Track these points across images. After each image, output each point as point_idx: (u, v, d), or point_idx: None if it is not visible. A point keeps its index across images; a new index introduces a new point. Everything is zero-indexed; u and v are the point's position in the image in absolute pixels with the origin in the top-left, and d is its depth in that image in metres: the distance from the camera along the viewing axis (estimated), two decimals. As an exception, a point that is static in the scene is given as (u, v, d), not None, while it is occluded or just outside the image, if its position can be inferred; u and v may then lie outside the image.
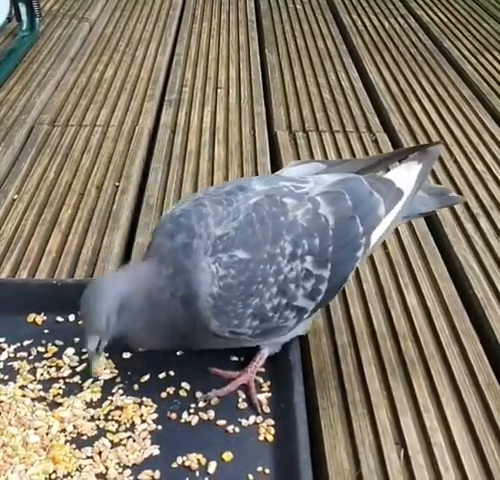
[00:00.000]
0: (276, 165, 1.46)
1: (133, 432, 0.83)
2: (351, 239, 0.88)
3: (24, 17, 2.08)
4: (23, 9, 2.07)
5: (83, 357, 0.93)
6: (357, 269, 1.11)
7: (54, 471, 0.77)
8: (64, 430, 0.82)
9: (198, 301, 0.81)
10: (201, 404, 0.87)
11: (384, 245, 1.19)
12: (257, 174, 1.40)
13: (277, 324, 0.86)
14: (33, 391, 0.87)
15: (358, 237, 0.88)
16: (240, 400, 0.88)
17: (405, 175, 0.95)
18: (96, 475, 0.78)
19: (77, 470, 0.78)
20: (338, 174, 0.93)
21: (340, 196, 0.88)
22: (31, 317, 0.99)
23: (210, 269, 0.81)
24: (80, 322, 0.84)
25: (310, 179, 0.90)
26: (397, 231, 1.22)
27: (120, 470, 0.78)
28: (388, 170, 1.00)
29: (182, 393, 0.88)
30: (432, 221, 1.27)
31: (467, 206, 1.32)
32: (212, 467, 0.79)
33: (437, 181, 1.40)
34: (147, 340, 0.86)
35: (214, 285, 0.81)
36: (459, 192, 1.36)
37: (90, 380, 0.89)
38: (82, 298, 0.84)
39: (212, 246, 0.82)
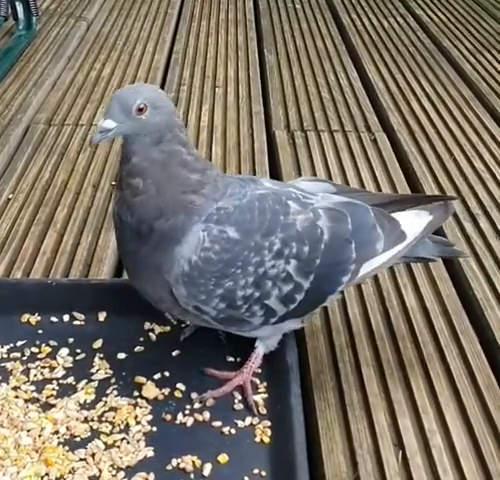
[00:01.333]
0: (274, 165, 1.45)
1: (127, 434, 0.82)
2: (341, 261, 0.87)
3: (21, 16, 2.07)
4: (20, 8, 2.06)
5: (77, 358, 0.92)
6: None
7: (46, 473, 0.76)
8: (57, 432, 0.81)
9: (175, 254, 0.80)
10: (196, 405, 0.86)
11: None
12: (255, 173, 1.39)
13: (243, 316, 0.85)
14: (26, 392, 0.86)
15: (349, 261, 0.87)
16: (236, 401, 0.87)
17: (413, 221, 0.93)
18: (89, 478, 0.76)
19: (70, 472, 0.77)
20: (348, 198, 0.92)
21: (342, 217, 0.87)
22: (25, 317, 0.98)
23: (198, 235, 0.80)
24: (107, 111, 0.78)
25: (320, 194, 0.90)
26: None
27: (114, 472, 0.77)
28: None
29: (177, 394, 0.87)
30: (431, 221, 1.25)
31: (466, 206, 1.31)
32: (207, 469, 0.78)
33: (436, 181, 1.39)
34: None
35: (195, 253, 0.80)
36: (458, 192, 1.35)
37: (84, 381, 0.88)
38: (120, 90, 0.82)
39: (208, 214, 0.81)
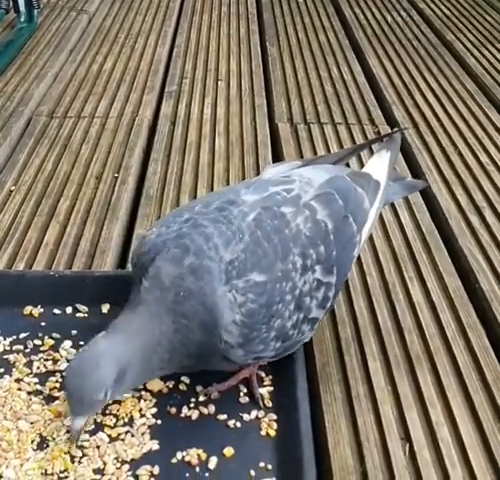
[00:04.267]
0: (277, 157, 1.44)
1: (131, 427, 0.81)
2: (348, 239, 0.87)
3: (22, 8, 2.05)
4: (21, 0, 2.04)
5: (80, 350, 0.91)
6: (361, 264, 1.10)
7: (50, 466, 0.75)
8: (61, 424, 0.80)
9: (219, 328, 0.77)
10: (201, 398, 0.85)
11: (388, 239, 1.17)
12: (258, 166, 1.37)
13: (296, 340, 0.84)
14: (29, 385, 0.85)
15: (354, 236, 0.88)
16: (241, 394, 0.86)
17: (378, 165, 0.96)
18: (93, 470, 0.75)
19: (74, 465, 0.76)
20: (321, 170, 0.92)
21: (331, 197, 0.87)
22: (27, 309, 0.96)
23: (227, 297, 0.77)
24: (67, 396, 0.76)
25: (295, 177, 0.89)
26: (401, 225, 1.21)
27: (118, 465, 0.76)
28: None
29: (182, 387, 0.86)
30: (437, 215, 1.25)
31: (472, 199, 1.30)
32: (213, 462, 0.77)
33: (441, 174, 1.38)
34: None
35: (236, 312, 0.77)
36: (463, 185, 1.34)
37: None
38: (70, 371, 0.76)
39: (225, 273, 0.77)
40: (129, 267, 1.06)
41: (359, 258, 1.11)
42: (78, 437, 0.77)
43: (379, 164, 0.96)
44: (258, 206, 0.83)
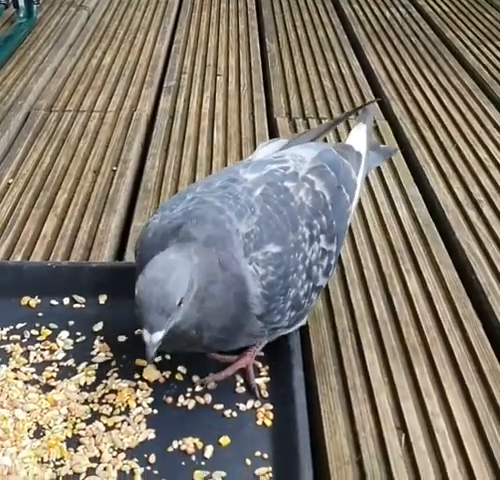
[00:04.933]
0: (276, 151, 1.43)
1: (128, 416, 0.81)
2: (343, 209, 0.90)
3: (21, 4, 2.06)
4: (21, -4, 2.05)
5: (78, 340, 0.91)
6: (358, 256, 1.10)
7: (46, 454, 0.75)
8: (57, 413, 0.80)
9: (247, 300, 0.78)
10: (198, 388, 0.85)
11: (385, 232, 1.17)
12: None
13: (306, 309, 0.86)
14: (26, 374, 0.85)
15: (347, 205, 0.91)
16: (238, 384, 0.86)
17: (357, 137, 1.00)
18: (90, 458, 0.76)
19: (70, 453, 0.76)
20: (309, 148, 0.94)
21: (324, 169, 0.89)
22: (25, 300, 0.96)
23: (249, 269, 0.78)
24: (137, 309, 0.72)
25: (287, 157, 0.90)
26: (398, 218, 1.21)
27: (114, 454, 0.76)
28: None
29: (178, 377, 0.86)
30: (434, 208, 1.25)
31: (469, 193, 1.30)
32: (209, 451, 0.77)
33: (439, 168, 1.38)
34: (190, 333, 0.77)
35: (258, 285, 0.78)
36: (461, 179, 1.34)
37: (85, 363, 0.87)
38: (145, 280, 0.72)
39: (243, 246, 0.78)
40: (127, 258, 1.07)
41: (356, 250, 1.11)
42: (154, 354, 0.74)
43: (358, 136, 1.00)
44: (262, 182, 0.85)
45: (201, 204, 0.82)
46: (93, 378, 0.85)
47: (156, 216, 0.84)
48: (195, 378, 0.86)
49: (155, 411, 0.82)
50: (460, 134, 1.52)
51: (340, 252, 0.92)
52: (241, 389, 0.85)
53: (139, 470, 0.75)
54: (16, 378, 0.84)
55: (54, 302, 0.97)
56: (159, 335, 0.72)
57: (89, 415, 0.81)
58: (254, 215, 0.81)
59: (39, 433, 0.78)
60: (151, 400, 0.83)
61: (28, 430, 0.78)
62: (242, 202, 0.81)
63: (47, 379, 0.85)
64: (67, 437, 0.78)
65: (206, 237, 0.77)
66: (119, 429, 0.79)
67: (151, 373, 0.86)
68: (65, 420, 0.80)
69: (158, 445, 0.78)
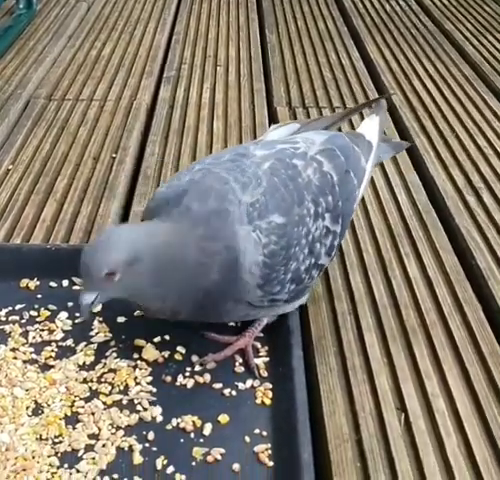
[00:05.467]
0: (275, 139, 1.43)
1: (127, 394, 0.81)
2: (350, 192, 0.90)
3: (21, -5, 2.06)
4: (20, -13, 2.05)
5: (76, 321, 0.91)
6: (357, 240, 1.10)
7: (45, 431, 0.75)
8: (56, 391, 0.80)
9: (240, 270, 0.78)
10: (197, 368, 0.85)
11: (385, 217, 1.17)
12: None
13: (306, 285, 0.86)
14: (25, 353, 0.85)
15: (354, 190, 0.91)
16: (237, 364, 0.86)
17: (369, 128, 1.01)
18: (88, 435, 0.76)
19: (68, 430, 0.76)
20: (320, 133, 0.94)
21: (334, 152, 0.90)
22: (24, 282, 0.97)
23: (252, 237, 0.78)
24: (79, 276, 0.76)
25: (298, 139, 0.91)
26: (398, 203, 1.21)
27: (113, 431, 0.76)
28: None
29: (177, 357, 0.86)
30: (433, 194, 1.25)
31: (469, 180, 1.30)
32: (208, 429, 0.77)
33: (439, 156, 1.38)
34: (155, 304, 0.80)
35: (259, 253, 0.79)
36: (461, 167, 1.34)
37: (83, 343, 0.87)
38: (88, 245, 0.78)
39: (246, 214, 0.79)
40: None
41: (355, 234, 1.11)
42: (86, 313, 0.77)
43: (370, 126, 1.01)
44: (271, 158, 0.85)
45: (208, 174, 0.83)
46: (92, 358, 0.85)
47: (164, 185, 0.86)
48: (194, 358, 0.86)
49: (154, 390, 0.82)
50: (460, 123, 1.52)
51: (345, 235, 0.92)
52: (240, 368, 0.85)
53: (138, 447, 0.75)
54: (15, 357, 0.85)
55: (53, 284, 0.97)
56: (88, 298, 0.75)
57: (88, 393, 0.81)
58: (260, 186, 0.82)
59: (38, 411, 0.78)
60: (150, 379, 0.83)
61: (27, 408, 0.78)
62: (248, 174, 0.82)
63: (46, 359, 0.85)
64: (66, 415, 0.78)
65: (205, 211, 0.78)
66: (118, 407, 0.79)
67: (150, 353, 0.86)
68: (64, 398, 0.79)
69: (157, 423, 0.78)
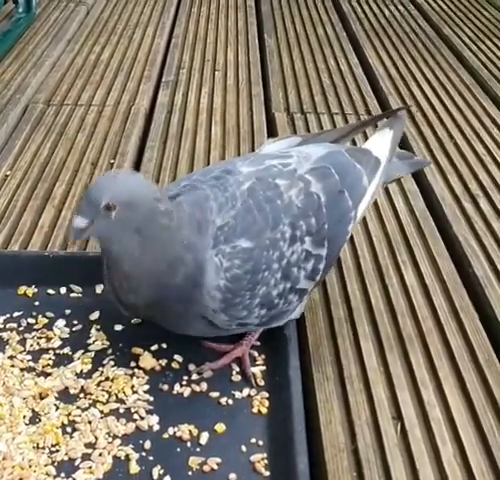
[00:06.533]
0: (274, 145, 1.43)
1: (124, 403, 0.81)
2: (342, 214, 0.87)
3: (20, -1, 2.06)
4: (19, -9, 2.05)
5: (74, 329, 0.91)
6: (354, 247, 1.10)
7: (42, 440, 0.75)
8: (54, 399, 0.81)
9: (201, 291, 0.78)
10: (194, 376, 0.85)
11: (382, 224, 1.17)
12: (254, 153, 1.38)
13: (282, 309, 0.85)
14: (22, 361, 0.86)
15: (349, 211, 0.88)
16: (234, 373, 0.86)
17: (380, 143, 0.96)
18: (85, 444, 0.76)
19: (65, 439, 0.76)
20: (319, 147, 0.92)
21: (327, 171, 0.87)
22: (22, 289, 0.97)
23: (213, 261, 0.78)
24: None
25: (293, 153, 0.89)
26: (395, 210, 1.21)
27: (110, 440, 0.76)
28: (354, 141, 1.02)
29: (174, 365, 0.87)
30: (431, 202, 1.25)
31: (467, 187, 1.30)
32: (204, 438, 0.77)
33: (437, 163, 1.38)
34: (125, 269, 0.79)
35: (220, 278, 0.78)
36: (459, 174, 1.35)
37: (81, 351, 0.87)
38: (102, 176, 0.83)
39: (213, 238, 0.79)
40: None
41: (352, 241, 1.11)
42: (73, 236, 0.78)
43: (381, 141, 0.96)
44: (253, 176, 0.84)
45: (193, 190, 0.83)
46: (89, 366, 0.86)
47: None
48: (191, 366, 0.86)
49: (151, 398, 0.82)
50: (458, 129, 1.53)
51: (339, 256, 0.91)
52: (237, 377, 0.86)
53: (134, 456, 0.75)
54: (12, 365, 0.85)
55: (51, 291, 0.97)
56: (81, 222, 0.76)
57: (85, 402, 0.81)
58: (233, 208, 0.81)
59: (35, 419, 0.78)
60: (147, 387, 0.83)
61: (24, 417, 0.78)
62: (227, 194, 0.82)
63: (43, 366, 0.85)
64: (63, 423, 0.78)
65: (193, 217, 0.80)
66: (115, 416, 0.79)
67: (147, 361, 0.86)
68: (61, 407, 0.80)
69: (153, 432, 0.78)
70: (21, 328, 0.91)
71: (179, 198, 0.82)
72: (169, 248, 0.78)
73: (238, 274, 0.79)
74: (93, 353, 0.87)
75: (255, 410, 0.81)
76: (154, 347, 0.88)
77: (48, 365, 0.86)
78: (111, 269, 0.80)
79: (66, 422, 0.78)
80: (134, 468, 0.74)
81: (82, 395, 0.82)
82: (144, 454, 0.75)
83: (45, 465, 0.73)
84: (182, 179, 0.88)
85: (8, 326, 0.91)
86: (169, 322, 0.84)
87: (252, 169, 0.86)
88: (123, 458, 0.75)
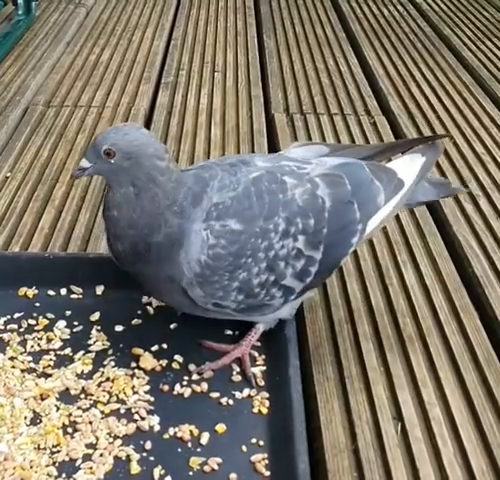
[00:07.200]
0: (273, 146, 1.44)
1: (124, 403, 0.81)
2: (347, 224, 0.87)
3: (20, 1, 2.06)
4: (19, -7, 2.05)
5: (75, 330, 0.91)
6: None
7: (43, 441, 0.76)
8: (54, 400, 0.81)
9: (180, 255, 0.80)
10: (194, 377, 0.85)
11: (382, 224, 1.17)
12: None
13: (263, 301, 0.85)
14: (23, 362, 0.86)
15: (354, 223, 0.87)
16: (234, 373, 0.86)
17: (408, 166, 0.93)
18: (86, 445, 0.76)
19: (66, 440, 0.76)
20: (341, 158, 0.91)
21: (339, 180, 0.87)
22: (22, 291, 0.97)
23: (201, 235, 0.80)
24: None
25: (313, 161, 0.89)
26: (395, 211, 1.21)
27: (111, 440, 0.77)
28: (390, 160, 0.98)
29: (175, 366, 0.87)
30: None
31: (466, 187, 1.30)
32: (205, 438, 0.78)
33: (437, 163, 1.38)
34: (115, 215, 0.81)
35: (203, 253, 0.80)
36: (458, 174, 1.35)
37: (81, 352, 0.87)
38: (114, 126, 0.83)
39: (207, 212, 0.81)
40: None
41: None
42: (76, 174, 0.83)
43: (409, 165, 0.93)
44: (264, 169, 0.86)
45: (206, 168, 0.86)
46: (90, 366, 0.86)
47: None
48: (191, 367, 0.86)
49: (151, 399, 0.82)
50: (457, 129, 1.53)
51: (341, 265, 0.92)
52: (237, 377, 0.86)
53: (135, 456, 0.75)
54: (13, 366, 0.85)
55: (51, 292, 0.97)
56: (84, 164, 0.82)
57: (86, 403, 0.81)
58: (233, 191, 0.82)
59: (36, 420, 0.78)
60: (147, 388, 0.83)
61: (25, 418, 0.78)
62: (234, 179, 0.84)
63: (44, 367, 0.85)
64: (64, 424, 0.78)
65: (193, 188, 0.82)
66: (116, 416, 0.79)
67: (148, 361, 0.86)
68: (61, 408, 0.80)
69: (154, 432, 0.78)
70: (22, 329, 0.91)
71: (188, 171, 0.85)
72: (158, 206, 0.80)
73: (221, 254, 0.80)
74: (94, 354, 0.88)
75: (255, 410, 0.82)
76: (154, 347, 0.89)
77: (49, 366, 0.86)
78: (106, 211, 0.82)
79: (67, 423, 0.78)
80: (135, 468, 0.74)
81: (83, 396, 0.82)
82: (145, 454, 0.76)
83: (46, 466, 0.73)
84: (201, 162, 0.92)
85: (9, 327, 0.91)
86: (151, 284, 0.85)
87: (267, 164, 0.87)
88: (124, 458, 0.75)
